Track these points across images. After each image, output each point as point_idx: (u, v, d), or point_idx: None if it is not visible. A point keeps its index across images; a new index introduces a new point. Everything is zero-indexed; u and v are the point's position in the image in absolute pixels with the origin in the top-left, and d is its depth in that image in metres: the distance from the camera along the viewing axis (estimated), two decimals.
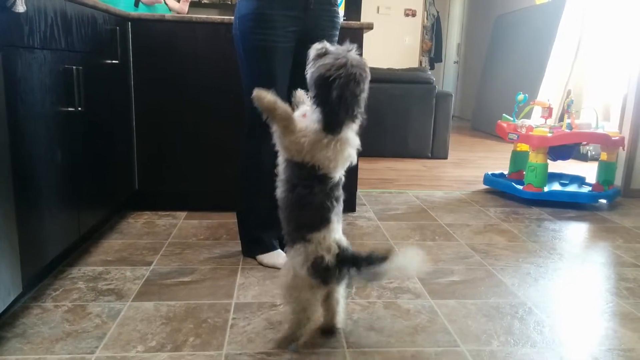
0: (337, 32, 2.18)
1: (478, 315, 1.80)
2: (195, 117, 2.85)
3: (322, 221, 1.49)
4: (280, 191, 1.55)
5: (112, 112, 2.52)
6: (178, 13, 3.86)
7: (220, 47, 2.77)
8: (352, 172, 2.98)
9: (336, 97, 1.41)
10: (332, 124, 1.44)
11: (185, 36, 2.76)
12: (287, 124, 1.47)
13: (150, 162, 2.89)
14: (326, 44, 1.48)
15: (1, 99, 1.48)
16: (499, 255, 2.40)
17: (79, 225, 2.12)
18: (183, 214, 2.89)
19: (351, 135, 1.50)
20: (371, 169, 4.49)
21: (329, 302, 1.61)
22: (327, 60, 1.43)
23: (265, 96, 1.46)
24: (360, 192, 3.55)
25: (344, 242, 1.53)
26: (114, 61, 2.49)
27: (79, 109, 2.04)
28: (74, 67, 1.99)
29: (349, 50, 1.45)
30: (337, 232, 1.52)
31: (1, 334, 1.58)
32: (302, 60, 2.10)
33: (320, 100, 1.45)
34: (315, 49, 1.49)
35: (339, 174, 1.52)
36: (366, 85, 1.47)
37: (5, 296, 1.52)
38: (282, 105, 1.47)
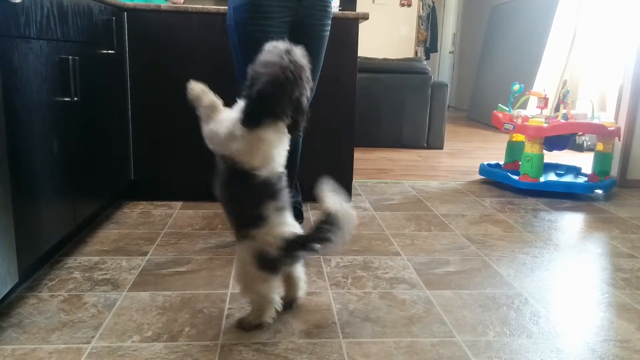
0: (329, 22, 2.18)
1: (474, 306, 1.81)
2: (190, 107, 2.83)
3: (259, 219, 1.50)
4: (216, 187, 1.59)
5: (108, 102, 2.50)
6: (174, 3, 3.83)
7: (216, 37, 2.76)
8: (347, 162, 2.99)
9: (257, 92, 1.42)
10: (246, 117, 1.45)
11: (181, 26, 2.75)
12: (210, 113, 1.56)
13: (146, 152, 2.88)
14: (279, 44, 1.47)
15: None
16: (494, 246, 2.41)
17: (75, 215, 2.11)
18: (179, 204, 2.89)
19: (272, 136, 1.49)
20: (367, 159, 4.49)
21: (289, 279, 1.68)
22: (264, 56, 1.46)
23: (194, 87, 1.58)
24: (355, 182, 3.55)
25: (292, 231, 1.54)
26: (109, 51, 2.47)
27: (75, 99, 2.03)
28: (70, 57, 1.97)
29: (288, 52, 1.44)
30: (282, 225, 1.53)
31: None
32: None
33: (247, 93, 1.47)
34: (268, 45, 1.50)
35: (267, 171, 1.51)
36: (302, 89, 1.45)
37: (1, 286, 1.52)
38: (211, 97, 1.57)
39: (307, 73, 1.47)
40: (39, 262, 1.98)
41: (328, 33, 2.19)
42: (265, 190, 1.51)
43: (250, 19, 2.01)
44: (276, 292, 1.61)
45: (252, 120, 1.46)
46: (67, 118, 2.01)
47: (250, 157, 1.48)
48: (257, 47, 2.10)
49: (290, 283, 1.70)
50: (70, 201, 2.07)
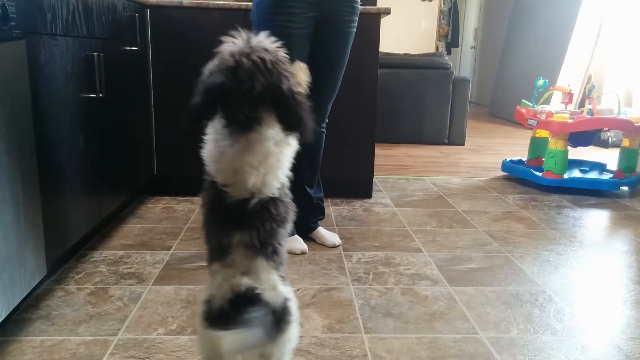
0: (357, 18, 2.16)
1: (497, 303, 1.80)
2: None
3: (216, 249, 1.13)
4: None
5: (132, 98, 2.53)
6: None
7: None
8: (368, 159, 2.99)
9: (201, 85, 1.13)
10: (187, 114, 1.15)
11: (203, 22, 2.76)
12: None
13: (169, 147, 2.91)
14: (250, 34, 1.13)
15: (25, 86, 1.50)
16: (517, 243, 2.39)
17: (100, 209, 2.15)
18: None
19: (240, 142, 1.10)
20: (387, 155, 4.47)
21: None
22: (225, 46, 1.13)
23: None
24: (376, 178, 3.54)
25: (250, 284, 1.08)
26: (133, 48, 2.50)
27: (100, 95, 2.06)
28: (95, 53, 2.00)
29: (249, 39, 1.10)
30: (248, 274, 1.09)
31: (26, 316, 1.61)
32: (320, 46, 2.10)
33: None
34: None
35: (239, 191, 1.09)
36: (273, 77, 1.07)
37: (30, 279, 1.55)
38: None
39: (285, 65, 1.11)
40: (66, 255, 2.01)
41: (354, 30, 2.16)
42: (232, 216, 1.10)
43: (272, 14, 2.01)
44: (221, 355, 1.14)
45: (188, 113, 1.14)
46: (92, 114, 2.04)
47: (214, 165, 1.15)
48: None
49: None
50: (95, 196, 2.10)
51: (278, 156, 1.12)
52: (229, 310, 1.05)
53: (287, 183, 1.17)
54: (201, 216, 1.18)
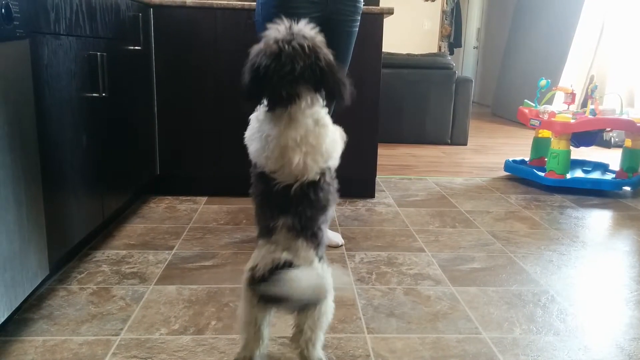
0: (359, 17, 2.17)
1: (500, 303, 1.80)
2: (215, 102, 2.86)
3: (263, 229, 1.27)
4: None
5: (135, 98, 2.53)
6: None
7: (241, 33, 2.77)
8: (371, 158, 2.98)
9: (249, 67, 1.23)
10: (243, 96, 1.26)
11: (206, 22, 2.76)
12: None
13: (172, 147, 2.91)
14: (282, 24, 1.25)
15: (29, 85, 1.50)
16: (520, 243, 2.38)
17: (102, 209, 2.15)
18: (203, 199, 2.92)
19: (285, 123, 1.21)
20: (390, 155, 4.47)
21: (296, 333, 1.30)
22: (269, 33, 1.25)
23: None
24: (379, 178, 3.54)
25: (299, 262, 1.22)
26: (136, 47, 2.50)
27: (104, 94, 2.06)
28: (98, 53, 2.00)
29: (290, 27, 1.24)
30: (289, 250, 1.23)
31: (28, 316, 1.62)
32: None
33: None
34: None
35: (285, 176, 1.22)
36: (312, 57, 1.21)
37: (32, 278, 1.55)
38: None
39: (325, 50, 1.25)
40: (68, 255, 2.02)
41: (357, 29, 2.18)
42: (277, 203, 1.24)
43: (277, 14, 2.00)
44: (256, 328, 1.30)
45: (243, 93, 1.25)
46: (95, 113, 2.04)
47: (261, 158, 1.25)
48: None
49: (295, 339, 1.31)
50: (98, 195, 2.10)
51: (317, 136, 1.23)
52: (268, 278, 1.19)
53: (329, 171, 1.29)
54: (253, 205, 1.31)
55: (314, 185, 1.23)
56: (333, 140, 1.29)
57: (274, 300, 1.19)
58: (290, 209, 1.23)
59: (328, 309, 1.28)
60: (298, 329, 1.29)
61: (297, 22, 1.27)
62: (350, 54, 2.20)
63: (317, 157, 1.23)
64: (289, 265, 1.20)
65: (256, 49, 1.23)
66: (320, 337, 1.30)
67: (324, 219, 1.29)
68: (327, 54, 1.25)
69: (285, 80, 1.19)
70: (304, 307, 1.23)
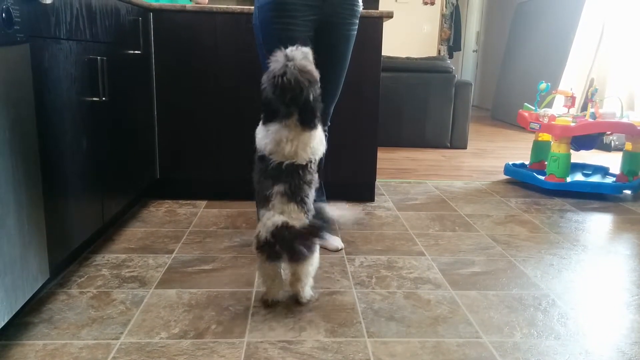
0: (357, 21, 2.17)
1: (500, 307, 1.79)
2: (215, 107, 2.87)
3: (262, 198, 1.68)
4: None
5: (135, 102, 2.54)
6: (198, 4, 3.86)
7: (241, 37, 2.77)
8: (370, 162, 2.98)
9: (263, 99, 1.70)
10: (262, 117, 1.76)
11: (206, 26, 2.77)
12: None
13: (171, 151, 2.91)
14: (282, 52, 1.65)
15: (29, 89, 1.50)
16: (520, 247, 2.38)
17: (102, 213, 2.15)
18: (203, 202, 2.92)
19: (282, 129, 1.68)
20: (389, 158, 4.47)
21: (292, 279, 1.75)
22: (271, 65, 1.65)
23: None
24: (378, 182, 3.54)
25: (286, 220, 1.63)
26: (136, 52, 2.51)
27: (103, 98, 2.06)
28: (98, 57, 2.00)
29: (288, 58, 1.61)
30: (283, 213, 1.64)
31: (28, 320, 1.61)
32: (322, 49, 2.11)
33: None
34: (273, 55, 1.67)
35: (279, 157, 1.67)
36: (305, 89, 1.62)
37: (32, 282, 1.55)
38: None
39: (310, 74, 1.62)
40: (68, 259, 2.01)
41: (355, 32, 2.18)
42: (272, 175, 1.67)
43: (274, 17, 2.01)
44: (271, 279, 1.72)
45: (265, 119, 1.74)
46: (95, 118, 2.05)
47: (263, 145, 1.71)
48: (281, 46, 2.12)
49: (293, 283, 1.76)
50: (98, 199, 2.10)
51: (305, 137, 1.69)
52: (271, 240, 1.61)
53: (314, 161, 1.72)
54: (253, 179, 1.77)
55: (302, 167, 1.68)
56: (320, 141, 1.75)
57: (276, 256, 1.65)
58: (282, 178, 1.66)
59: (315, 261, 1.72)
60: (294, 277, 1.72)
61: (295, 45, 1.66)
62: (349, 58, 2.21)
63: (307, 149, 1.69)
64: (285, 226, 1.61)
65: (264, 79, 1.65)
66: (311, 281, 1.77)
67: (309, 192, 1.70)
68: (313, 83, 1.65)
69: (282, 104, 1.64)
70: (299, 259, 1.65)
